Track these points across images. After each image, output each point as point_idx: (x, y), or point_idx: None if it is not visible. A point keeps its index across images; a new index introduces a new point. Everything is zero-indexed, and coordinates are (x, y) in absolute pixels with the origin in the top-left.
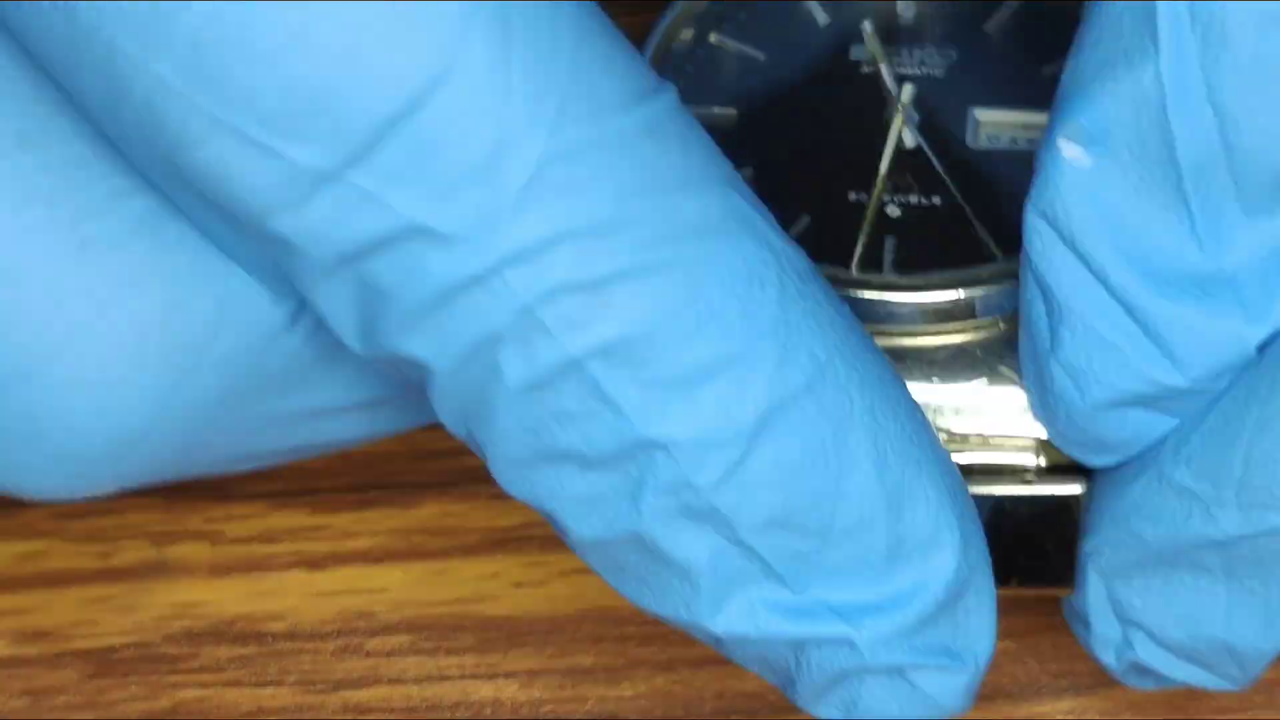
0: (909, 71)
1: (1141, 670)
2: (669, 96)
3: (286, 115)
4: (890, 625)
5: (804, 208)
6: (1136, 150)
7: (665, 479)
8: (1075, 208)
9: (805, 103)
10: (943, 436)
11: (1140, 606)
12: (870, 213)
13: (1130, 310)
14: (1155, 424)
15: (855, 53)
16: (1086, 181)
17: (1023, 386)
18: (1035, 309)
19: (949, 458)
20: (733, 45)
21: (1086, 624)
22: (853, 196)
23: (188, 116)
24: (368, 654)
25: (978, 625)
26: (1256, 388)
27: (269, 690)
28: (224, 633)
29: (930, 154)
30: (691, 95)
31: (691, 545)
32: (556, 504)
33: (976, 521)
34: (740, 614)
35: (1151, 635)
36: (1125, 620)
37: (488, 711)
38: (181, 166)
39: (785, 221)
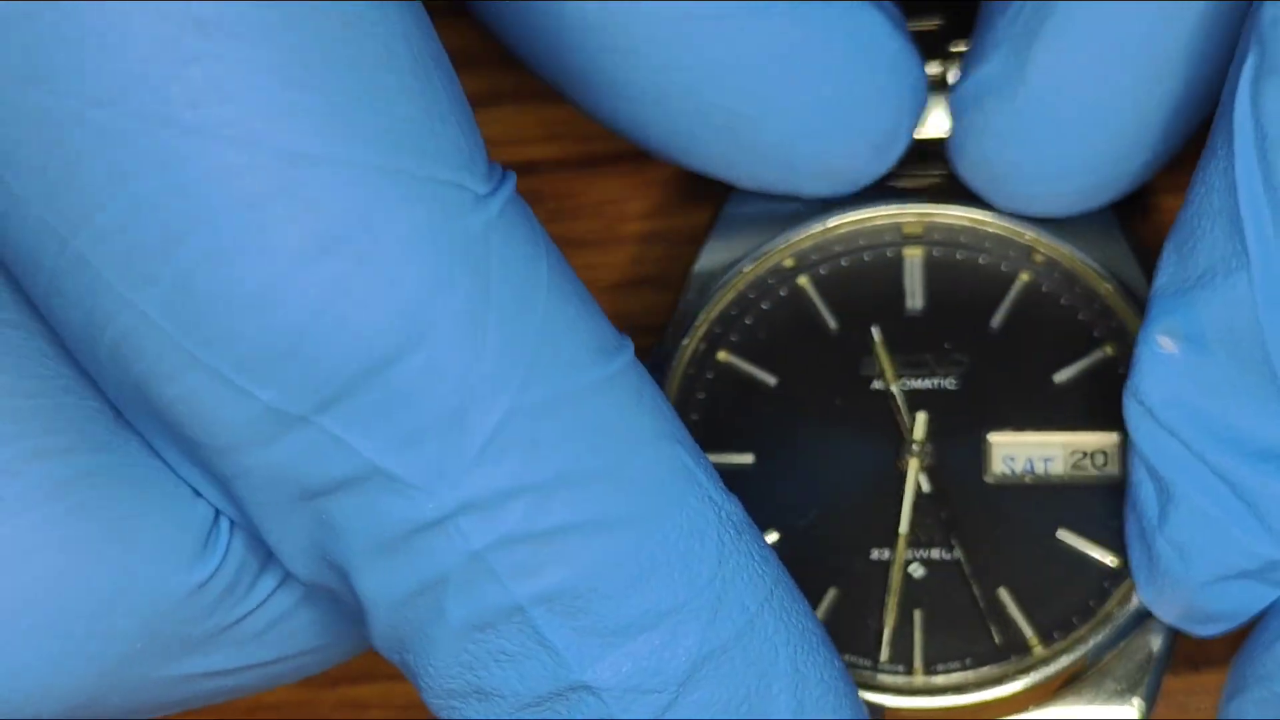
0: (920, 385)
1: None
2: (627, 353)
3: (263, 359)
4: None
5: (830, 578)
6: (1230, 347)
7: None
8: (1172, 397)
9: (821, 442)
10: None
11: None
12: (895, 584)
13: (1233, 488)
14: (1261, 595)
15: (865, 367)
16: (1182, 374)
17: None
18: (1144, 489)
19: (860, 701)
20: (743, 368)
21: None
22: (875, 555)
23: (165, 351)
24: (367, 649)
25: None
26: None
27: None
28: None
29: (948, 503)
30: (707, 439)
31: None
32: None
33: None
34: None
35: None
36: None
37: None
38: (152, 397)
39: (814, 597)
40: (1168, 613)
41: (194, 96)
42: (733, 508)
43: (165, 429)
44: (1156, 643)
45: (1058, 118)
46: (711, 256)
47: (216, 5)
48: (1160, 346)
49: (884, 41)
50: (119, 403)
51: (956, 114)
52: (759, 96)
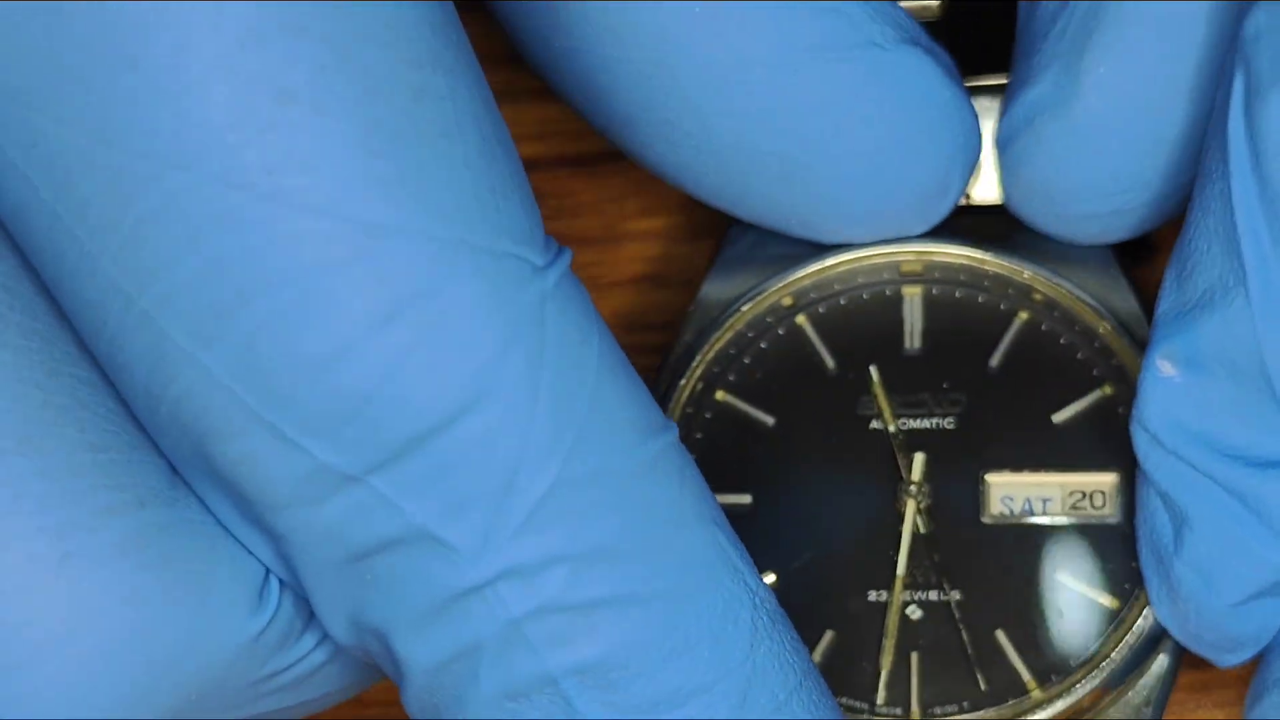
0: (918, 425)
1: None
2: (671, 434)
3: (325, 420)
4: None
5: (827, 620)
6: (1229, 366)
7: None
8: (1176, 421)
9: (819, 483)
10: None
11: None
12: (892, 626)
13: (1244, 502)
14: None
15: (863, 406)
16: (1183, 397)
17: None
18: (1158, 518)
19: None
20: (741, 407)
21: None
22: (873, 596)
23: (228, 410)
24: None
25: None
26: None
27: None
28: None
29: (941, 546)
30: (706, 479)
31: None
32: None
33: None
34: None
35: None
36: None
37: None
38: (211, 455)
39: (811, 639)
40: (1193, 640)
41: (270, 163)
42: (766, 594)
43: (221, 486)
44: (1154, 688)
45: (1115, 130)
46: (710, 294)
47: (298, 75)
48: (1161, 371)
49: (937, 90)
50: (175, 459)
51: (1006, 142)
52: (811, 142)
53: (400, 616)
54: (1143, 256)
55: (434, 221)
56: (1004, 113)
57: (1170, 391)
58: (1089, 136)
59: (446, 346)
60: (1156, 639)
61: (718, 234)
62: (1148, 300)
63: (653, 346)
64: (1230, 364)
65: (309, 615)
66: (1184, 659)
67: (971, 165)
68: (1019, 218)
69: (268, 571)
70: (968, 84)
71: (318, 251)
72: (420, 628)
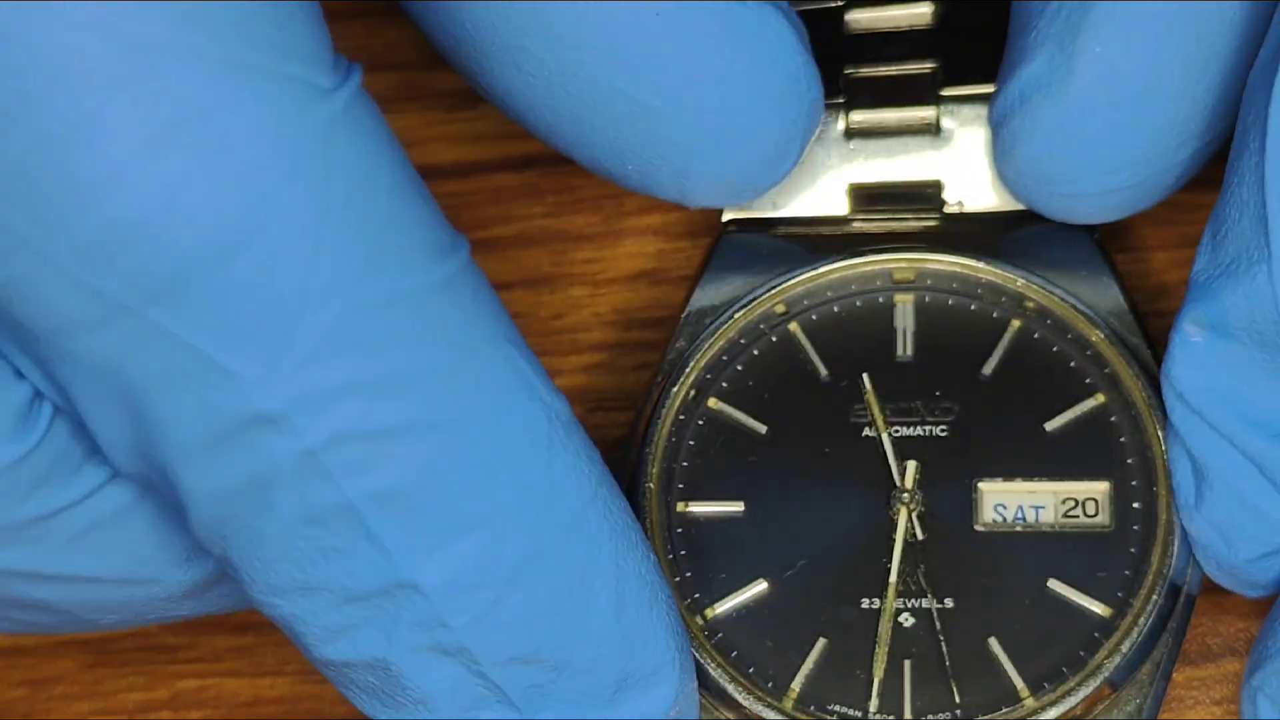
0: (911, 433)
1: None
2: (464, 254)
3: (96, 247)
4: None
5: (820, 628)
6: (1255, 337)
7: (420, 617)
8: (1202, 382)
9: (811, 491)
10: None
11: None
12: (885, 634)
13: (1261, 468)
14: None
15: (855, 414)
16: (1209, 360)
17: None
18: (1181, 470)
19: (674, 597)
20: (733, 415)
21: None
22: (865, 604)
23: None
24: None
25: None
26: None
27: (267, 680)
28: (222, 623)
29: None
30: (697, 486)
31: (435, 675)
32: (305, 628)
33: (690, 653)
34: None
35: None
36: None
37: None
38: None
39: (804, 647)
40: (1217, 579)
41: None
42: (561, 406)
43: None
44: (1146, 696)
45: (1108, 109)
46: (702, 300)
47: None
48: (1189, 335)
49: (790, 55)
50: None
51: (1000, 122)
52: (663, 87)
53: (184, 446)
54: (1126, 244)
55: (212, 41)
56: (998, 91)
57: (1196, 354)
58: (1083, 116)
59: (224, 173)
60: (1150, 646)
61: (715, 232)
62: (1140, 308)
63: (650, 343)
64: (1255, 333)
65: (91, 450)
66: (1179, 658)
67: (809, 137)
68: (1014, 196)
69: (37, 395)
70: (960, 92)
71: (88, 70)
72: (206, 456)
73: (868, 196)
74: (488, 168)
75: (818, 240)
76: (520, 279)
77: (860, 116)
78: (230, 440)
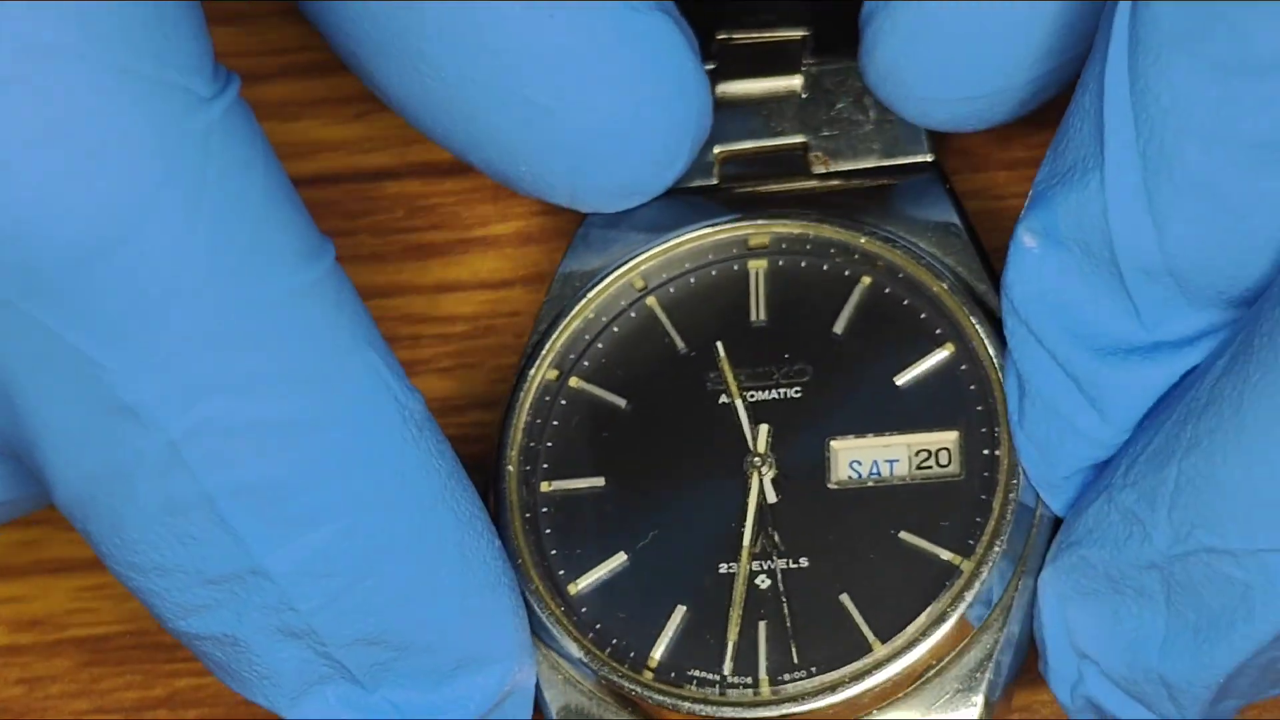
0: (765, 397)
1: (1095, 707)
2: (329, 259)
3: None
4: None
5: (679, 595)
6: (1083, 246)
7: (269, 601)
8: (1031, 292)
9: (670, 461)
10: None
11: (1090, 636)
12: (739, 596)
13: (1078, 383)
14: None
15: (711, 383)
16: (1040, 269)
17: None
18: (1010, 385)
19: (515, 576)
20: (594, 392)
21: (1046, 661)
22: (724, 569)
23: None
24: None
25: None
26: (1192, 406)
27: None
28: None
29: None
30: (558, 464)
31: (281, 654)
32: (160, 603)
33: (528, 634)
34: (315, 708)
35: (1099, 667)
36: (1078, 653)
37: None
38: None
39: (663, 614)
40: (1044, 496)
41: None
42: (415, 405)
43: None
44: (997, 642)
45: (965, 16)
46: (565, 279)
47: None
48: (1024, 242)
49: (680, 59)
50: None
51: (866, 21)
52: (557, 89)
53: (52, 430)
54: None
55: (96, 45)
56: None
57: (1029, 262)
58: (939, 20)
59: (103, 174)
60: (998, 591)
61: None
62: (990, 262)
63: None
64: (1084, 243)
65: None
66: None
67: (699, 142)
68: (876, 97)
69: None
70: (827, 66)
71: None
72: (72, 443)
73: (735, 163)
74: None
75: (683, 212)
76: (519, 277)
77: (727, 87)
78: (96, 429)
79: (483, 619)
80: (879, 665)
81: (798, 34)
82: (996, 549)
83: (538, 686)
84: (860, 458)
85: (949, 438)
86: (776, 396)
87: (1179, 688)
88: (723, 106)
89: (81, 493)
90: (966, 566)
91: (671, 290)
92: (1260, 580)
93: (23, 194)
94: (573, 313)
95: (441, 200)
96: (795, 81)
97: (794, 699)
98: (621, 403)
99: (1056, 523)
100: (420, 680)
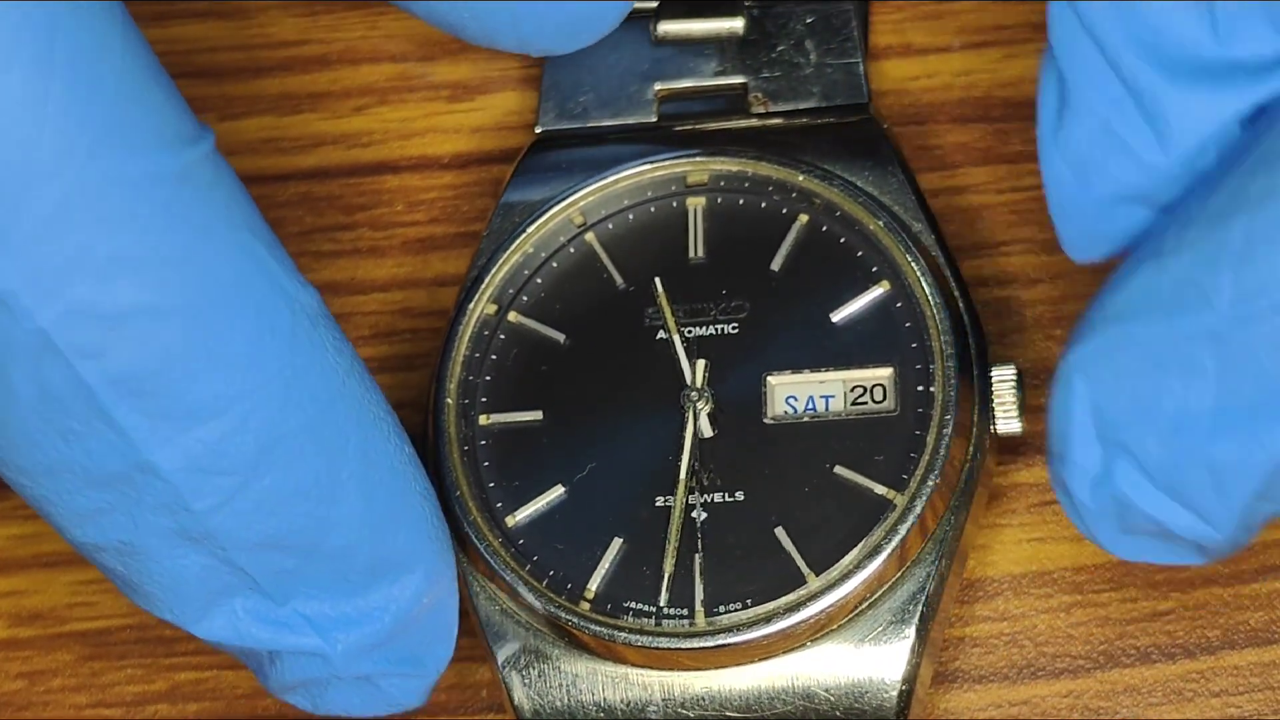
0: (702, 333)
1: (1121, 506)
2: (206, 145)
3: None
4: (361, 638)
5: (616, 527)
6: None
7: (162, 501)
8: None
9: (608, 396)
10: None
11: (1126, 420)
12: (675, 529)
13: (1138, 99)
14: (1141, 220)
15: (650, 319)
16: None
17: None
18: (1046, 93)
19: (430, 486)
20: (533, 327)
21: (1065, 457)
22: (660, 502)
23: None
24: None
25: (439, 635)
26: (1267, 153)
27: None
28: None
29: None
30: (497, 399)
31: (182, 561)
32: (54, 510)
33: (447, 542)
34: (223, 622)
35: (1133, 456)
36: (1107, 441)
37: (484, 694)
38: None
39: (600, 547)
40: (1064, 232)
41: None
42: (308, 299)
43: None
44: (929, 575)
45: None
46: (503, 214)
47: None
48: None
49: None
50: None
51: None
52: None
53: None
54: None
55: None
56: None
57: None
58: None
59: None
60: (930, 531)
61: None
62: (926, 201)
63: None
64: None
65: None
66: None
67: None
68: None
69: None
70: (765, 6)
71: None
72: None
73: (675, 102)
74: (486, 159)
75: (622, 150)
76: None
77: (669, 26)
78: None
79: (392, 525)
80: (813, 597)
81: None
82: (930, 484)
83: (479, 623)
84: (796, 393)
85: (884, 374)
86: (714, 333)
87: (1228, 471)
88: (663, 45)
89: None
90: (900, 501)
91: (610, 227)
92: None
93: None
94: (511, 248)
95: (440, 194)
96: (737, 23)
97: (729, 630)
98: (560, 337)
99: (990, 458)
100: (331, 590)
